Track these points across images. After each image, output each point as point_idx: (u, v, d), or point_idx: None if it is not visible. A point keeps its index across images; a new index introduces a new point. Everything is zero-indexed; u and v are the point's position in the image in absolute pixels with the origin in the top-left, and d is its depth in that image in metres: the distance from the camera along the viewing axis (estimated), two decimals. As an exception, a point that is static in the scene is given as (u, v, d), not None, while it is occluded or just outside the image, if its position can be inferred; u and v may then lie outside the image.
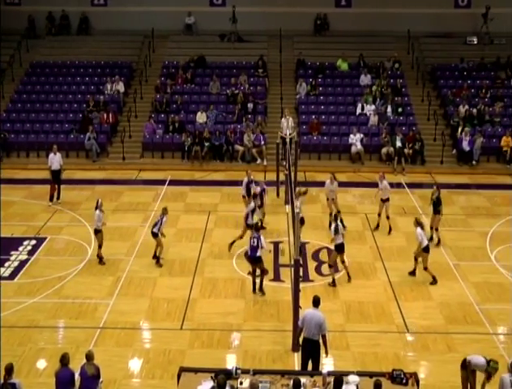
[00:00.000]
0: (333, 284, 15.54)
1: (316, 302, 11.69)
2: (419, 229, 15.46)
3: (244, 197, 19.10)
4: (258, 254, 14.98)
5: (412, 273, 16.01)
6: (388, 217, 18.40)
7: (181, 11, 30.20)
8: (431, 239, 17.32)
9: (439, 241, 17.72)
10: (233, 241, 17.12)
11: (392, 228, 18.46)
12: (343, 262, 15.81)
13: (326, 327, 11.59)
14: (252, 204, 17.23)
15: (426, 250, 15.50)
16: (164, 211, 16.57)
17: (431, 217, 17.87)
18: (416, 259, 15.91)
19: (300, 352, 12.06)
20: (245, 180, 19.06)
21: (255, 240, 14.96)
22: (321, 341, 11.60)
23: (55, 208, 20.29)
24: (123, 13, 29.91)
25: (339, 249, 15.57)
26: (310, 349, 11.65)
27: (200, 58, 29.08)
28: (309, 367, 11.61)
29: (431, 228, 17.70)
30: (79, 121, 26.17)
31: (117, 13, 30.04)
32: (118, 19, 29.92)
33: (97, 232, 16.53)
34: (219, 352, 12.90)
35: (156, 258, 16.52)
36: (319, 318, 11.54)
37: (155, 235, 16.40)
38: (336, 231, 15.42)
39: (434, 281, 15.65)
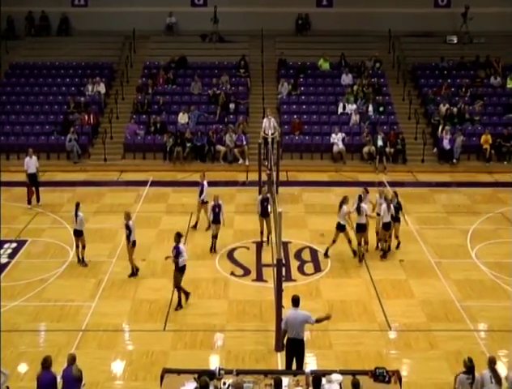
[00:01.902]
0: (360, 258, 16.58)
1: (295, 302, 11.67)
2: (384, 204, 16.13)
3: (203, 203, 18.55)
4: (181, 264, 14.35)
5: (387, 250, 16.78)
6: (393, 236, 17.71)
7: (162, 12, 30.11)
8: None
9: (389, 247, 17.15)
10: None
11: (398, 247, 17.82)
12: (366, 243, 16.66)
13: (312, 320, 11.59)
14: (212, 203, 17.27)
15: (386, 226, 16.26)
16: (127, 217, 15.82)
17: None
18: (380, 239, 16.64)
19: (281, 352, 12.09)
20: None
21: (174, 250, 14.38)
22: (305, 338, 11.67)
23: (36, 210, 20.14)
24: (104, 13, 29.73)
25: (361, 229, 16.41)
26: (295, 349, 11.65)
27: (181, 59, 29.02)
28: (294, 366, 11.60)
29: (396, 236, 17.31)
30: (60, 122, 26.01)
31: (97, 13, 29.86)
32: (99, 19, 29.73)
33: (81, 233, 16.40)
34: (202, 353, 12.88)
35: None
36: (303, 317, 11.56)
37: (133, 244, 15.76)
38: (359, 211, 16.26)
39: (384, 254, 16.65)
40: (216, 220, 17.25)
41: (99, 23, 29.76)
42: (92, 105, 26.81)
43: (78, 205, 16.66)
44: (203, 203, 18.46)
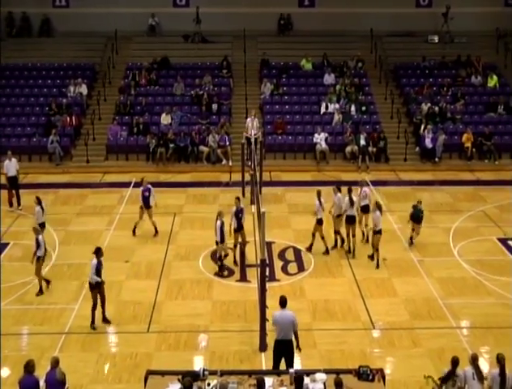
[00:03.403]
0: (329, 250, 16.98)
1: (283, 303, 11.70)
2: (377, 213, 16.03)
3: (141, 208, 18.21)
4: (89, 279, 13.86)
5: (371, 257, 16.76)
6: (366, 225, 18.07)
7: (145, 12, 30.00)
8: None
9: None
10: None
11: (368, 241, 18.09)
12: (353, 235, 17.01)
13: (297, 323, 11.67)
14: (219, 222, 16.11)
15: (379, 232, 16.31)
16: (36, 232, 14.89)
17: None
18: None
19: (266, 352, 12.12)
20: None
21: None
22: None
23: (18, 213, 19.99)
24: (85, 14, 29.56)
25: (351, 220, 16.86)
26: (283, 350, 11.66)
27: (164, 59, 28.95)
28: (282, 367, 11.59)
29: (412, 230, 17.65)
30: (42, 124, 25.84)
31: (79, 14, 29.69)
32: (80, 20, 29.56)
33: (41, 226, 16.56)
34: (186, 354, 12.88)
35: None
36: (290, 317, 11.61)
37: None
38: (352, 203, 16.73)
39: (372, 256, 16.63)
40: (240, 226, 16.53)
41: (80, 24, 29.58)
42: (74, 107, 26.65)
43: (38, 199, 16.89)
44: (149, 207, 18.16)
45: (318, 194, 16.98)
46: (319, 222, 16.91)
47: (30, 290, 15.26)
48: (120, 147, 25.15)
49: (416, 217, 17.54)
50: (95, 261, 13.68)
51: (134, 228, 18.31)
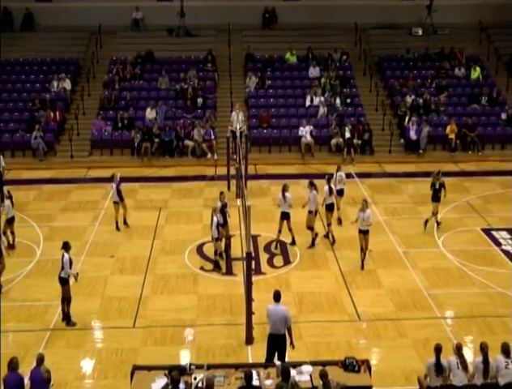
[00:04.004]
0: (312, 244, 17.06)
1: (277, 297, 11.67)
2: (368, 211, 15.93)
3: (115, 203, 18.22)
4: (62, 275, 13.62)
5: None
6: (338, 208, 18.63)
7: (129, 6, 29.82)
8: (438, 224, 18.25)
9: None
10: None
11: (342, 219, 18.64)
12: (328, 225, 17.37)
13: (291, 319, 11.68)
14: (215, 219, 15.97)
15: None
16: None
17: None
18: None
19: (252, 345, 12.14)
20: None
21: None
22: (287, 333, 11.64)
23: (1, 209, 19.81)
24: (68, 9, 29.37)
25: (330, 208, 17.25)
26: (276, 344, 11.66)
27: (148, 54, 28.82)
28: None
29: (433, 213, 18.16)
30: (25, 120, 25.64)
31: (62, 9, 29.48)
32: (64, 14, 29.37)
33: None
34: (172, 349, 12.86)
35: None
36: (283, 312, 11.58)
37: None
38: (331, 192, 17.14)
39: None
40: (225, 221, 16.53)
41: (64, 19, 29.39)
42: (58, 102, 26.47)
43: (7, 193, 16.98)
44: (123, 200, 18.25)
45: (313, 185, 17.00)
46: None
47: (13, 288, 15.15)
48: (104, 142, 25.03)
49: (435, 197, 17.93)
50: (67, 256, 13.52)
51: (117, 223, 18.25)
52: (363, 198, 17.30)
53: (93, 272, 15.90)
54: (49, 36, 29.57)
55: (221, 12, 29.30)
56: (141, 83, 27.75)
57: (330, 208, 17.42)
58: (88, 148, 25.07)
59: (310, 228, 17.21)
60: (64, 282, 13.63)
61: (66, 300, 13.64)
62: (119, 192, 18.15)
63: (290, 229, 17.10)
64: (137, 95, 27.19)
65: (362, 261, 16.10)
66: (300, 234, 17.35)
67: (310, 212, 17.03)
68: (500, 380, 10.60)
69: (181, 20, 29.44)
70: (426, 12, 29.79)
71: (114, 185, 18.17)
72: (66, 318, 13.64)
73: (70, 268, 13.57)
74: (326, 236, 17.60)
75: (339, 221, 18.49)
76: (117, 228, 18.26)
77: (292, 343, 11.66)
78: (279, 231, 17.02)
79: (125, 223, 18.52)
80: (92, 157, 24.85)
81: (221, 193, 16.89)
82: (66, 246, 13.66)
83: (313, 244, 17.23)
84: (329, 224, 17.52)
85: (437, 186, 17.94)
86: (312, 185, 17.08)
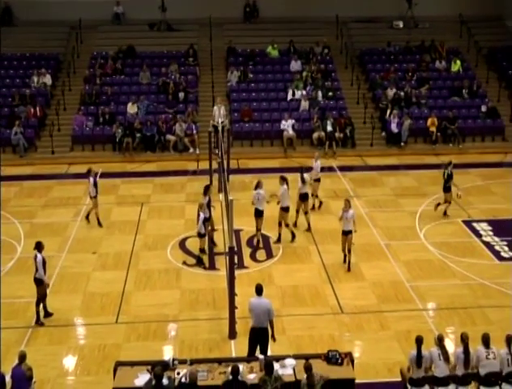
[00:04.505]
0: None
1: (259, 290, 11.69)
2: (351, 211, 15.70)
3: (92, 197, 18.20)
4: (38, 275, 13.42)
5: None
6: (316, 196, 18.99)
7: (109, 0, 29.66)
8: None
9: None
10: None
11: (320, 207, 19.03)
12: (305, 213, 17.61)
13: (274, 312, 11.72)
14: (202, 215, 15.91)
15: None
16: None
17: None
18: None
19: (235, 340, 12.15)
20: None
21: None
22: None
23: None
24: (48, 3, 29.07)
25: (304, 198, 17.44)
26: (259, 338, 11.68)
27: (129, 48, 28.67)
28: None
29: (445, 201, 18.56)
30: (5, 115, 25.41)
31: (41, 3, 29.17)
32: (43, 9, 29.06)
33: None
34: (155, 344, 12.83)
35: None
36: (266, 305, 11.60)
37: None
38: (303, 182, 17.38)
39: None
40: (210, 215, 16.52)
41: (44, 13, 29.08)
42: (38, 97, 26.24)
43: None
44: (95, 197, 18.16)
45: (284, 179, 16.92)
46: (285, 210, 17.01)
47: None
48: (86, 138, 24.88)
49: (445, 187, 18.43)
50: (40, 256, 13.38)
51: (98, 219, 18.17)
52: (346, 197, 16.80)
53: (75, 268, 15.83)
54: (28, 30, 29.28)
55: (202, 6, 29.16)
56: (122, 78, 27.60)
57: (303, 198, 17.59)
58: (69, 144, 24.90)
59: (281, 224, 17.08)
60: (39, 283, 13.50)
61: (41, 299, 13.52)
62: (96, 186, 18.02)
63: (280, 224, 17.06)
64: (118, 90, 27.03)
65: (348, 263, 15.70)
66: (277, 228, 17.34)
67: (282, 208, 16.94)
68: (481, 370, 10.71)
69: (162, 14, 29.33)
70: (407, 5, 29.91)
71: (92, 180, 18.02)
72: (37, 316, 13.48)
73: (44, 268, 13.43)
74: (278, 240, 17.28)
75: (320, 204, 18.96)
76: (99, 224, 18.15)
77: (273, 336, 11.69)
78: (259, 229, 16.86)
79: (87, 217, 18.33)
80: (74, 153, 24.68)
81: (208, 187, 16.82)
82: (39, 246, 13.50)
83: (276, 241, 17.14)
84: (306, 213, 17.78)
85: (446, 177, 18.41)
86: (283, 180, 16.99)
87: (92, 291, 14.82)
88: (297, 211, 17.90)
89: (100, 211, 18.38)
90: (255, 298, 11.66)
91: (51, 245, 16.81)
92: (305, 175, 17.69)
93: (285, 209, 16.94)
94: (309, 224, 17.82)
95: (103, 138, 24.88)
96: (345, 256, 15.84)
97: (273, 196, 17.24)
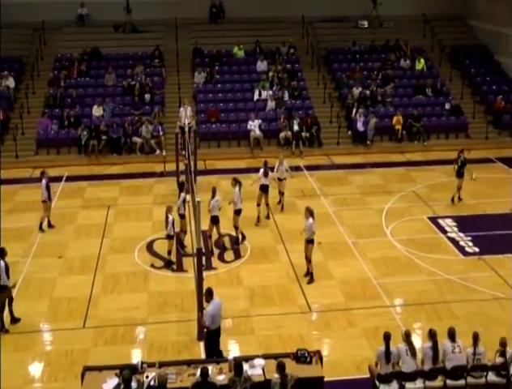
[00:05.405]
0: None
1: (211, 293, 11.79)
2: (310, 220, 14.91)
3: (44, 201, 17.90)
4: (1, 282, 13.13)
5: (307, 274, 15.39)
6: (282, 194, 19.18)
7: (73, 2, 29.27)
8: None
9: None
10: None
11: (284, 207, 19.19)
12: (267, 204, 18.24)
13: None
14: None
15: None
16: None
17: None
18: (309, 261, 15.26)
19: (204, 341, 12.16)
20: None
21: None
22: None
23: None
24: (10, 4, 28.45)
25: (265, 189, 18.05)
26: (217, 337, 11.79)
27: (94, 50, 28.39)
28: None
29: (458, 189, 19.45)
30: (-33, 120, 25.00)
31: (3, 5, 28.33)
32: (5, 11, 28.48)
33: None
34: (124, 348, 12.75)
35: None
36: (220, 304, 11.82)
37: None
38: (265, 174, 18.04)
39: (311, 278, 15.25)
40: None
41: (5, 15, 28.43)
42: (1, 101, 25.80)
43: None
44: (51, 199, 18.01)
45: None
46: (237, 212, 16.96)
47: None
48: (50, 141, 24.56)
49: (458, 173, 19.26)
50: (2, 263, 13.15)
51: (41, 224, 17.95)
52: (306, 206, 15.66)
53: (41, 273, 15.63)
54: (-11, 33, 28.81)
55: (168, 7, 29.02)
56: (87, 80, 27.32)
57: (264, 189, 18.00)
58: (34, 147, 24.56)
59: (236, 227, 17.03)
60: (2, 289, 13.26)
61: (4, 306, 13.33)
62: (48, 190, 17.78)
63: (236, 227, 17.05)
64: (83, 92, 26.75)
65: (309, 274, 15.26)
66: (247, 229, 17.43)
67: (235, 211, 16.86)
68: (447, 364, 10.87)
69: (127, 16, 29.11)
70: (372, 5, 30.17)
71: (44, 183, 17.77)
72: (1, 323, 13.27)
73: (7, 274, 13.23)
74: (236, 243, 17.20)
75: (282, 208, 19.18)
76: (41, 229, 17.88)
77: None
78: (210, 236, 16.66)
79: (48, 225, 18.08)
80: (38, 156, 24.32)
81: (183, 184, 16.84)
82: (1, 253, 13.28)
83: (241, 242, 17.07)
84: (267, 204, 18.33)
85: (459, 164, 19.09)
86: (236, 182, 16.87)
87: (59, 296, 14.65)
88: (258, 205, 18.07)
89: (67, 214, 18.21)
90: (211, 303, 11.70)
91: (16, 250, 16.64)
92: (270, 173, 18.23)
93: (237, 212, 16.86)
94: (268, 214, 18.45)
95: (68, 141, 24.60)
96: (310, 263, 15.25)
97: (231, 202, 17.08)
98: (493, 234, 17.71)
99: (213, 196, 16.39)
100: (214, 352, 11.75)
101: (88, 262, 16.18)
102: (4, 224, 18.16)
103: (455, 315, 13.70)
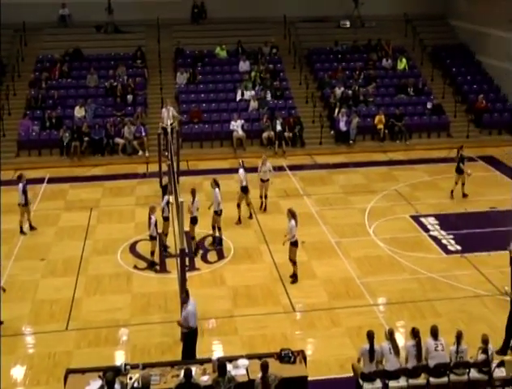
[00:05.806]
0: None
1: (188, 294, 11.88)
2: (292, 222, 14.85)
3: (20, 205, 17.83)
4: None
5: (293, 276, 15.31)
6: (266, 196, 19.15)
7: (55, 3, 29.06)
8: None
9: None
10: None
11: (267, 208, 19.19)
12: (248, 204, 18.43)
13: None
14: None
15: (295, 244, 15.08)
16: None
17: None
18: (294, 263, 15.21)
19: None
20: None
21: None
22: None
23: None
24: (-11, 6, 28.38)
25: (245, 190, 18.17)
26: (195, 336, 11.85)
27: (76, 51, 28.24)
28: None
29: (462, 184, 19.82)
30: None
31: (-18, 6, 28.46)
32: (-16, 11, 28.37)
33: None
34: (107, 350, 12.68)
35: None
36: (196, 305, 11.88)
37: None
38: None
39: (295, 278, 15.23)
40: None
41: (-15, 16, 28.39)
42: (-19, 102, 25.67)
43: None
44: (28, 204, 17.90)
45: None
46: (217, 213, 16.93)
47: None
48: (32, 143, 24.38)
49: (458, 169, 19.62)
50: None
51: (21, 228, 17.82)
52: (288, 208, 15.57)
53: (23, 276, 15.51)
54: (-31, 34, 28.52)
55: (150, 7, 28.95)
56: (69, 81, 27.16)
57: (244, 190, 18.17)
58: (15, 149, 24.37)
59: (215, 227, 16.99)
60: None
61: None
62: (25, 194, 17.65)
63: (214, 228, 17.00)
64: (65, 93, 26.60)
65: (295, 273, 15.22)
66: (228, 229, 17.47)
67: (216, 213, 16.83)
68: (430, 362, 10.93)
69: (109, 16, 28.98)
70: (353, 5, 30.29)
71: (21, 186, 17.64)
72: None
73: None
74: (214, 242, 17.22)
75: (265, 208, 19.24)
76: (22, 232, 17.75)
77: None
78: (193, 238, 16.58)
79: (30, 228, 17.96)
80: (20, 158, 24.15)
81: (166, 186, 16.81)
82: None
83: (219, 243, 17.02)
84: (248, 204, 18.47)
85: (458, 160, 19.54)
86: (216, 184, 16.82)
87: (41, 298, 14.54)
88: (239, 206, 18.13)
89: (49, 216, 18.09)
90: (189, 304, 11.72)
91: (-2, 253, 16.54)
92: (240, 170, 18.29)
93: (217, 213, 16.82)
94: (251, 214, 18.60)
95: (50, 142, 24.43)
96: (294, 265, 15.19)
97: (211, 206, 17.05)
98: (475, 232, 17.85)
99: (193, 199, 16.34)
100: (192, 353, 11.70)
101: (71, 265, 16.08)
102: (-15, 227, 18.01)
103: (438, 313, 13.78)
